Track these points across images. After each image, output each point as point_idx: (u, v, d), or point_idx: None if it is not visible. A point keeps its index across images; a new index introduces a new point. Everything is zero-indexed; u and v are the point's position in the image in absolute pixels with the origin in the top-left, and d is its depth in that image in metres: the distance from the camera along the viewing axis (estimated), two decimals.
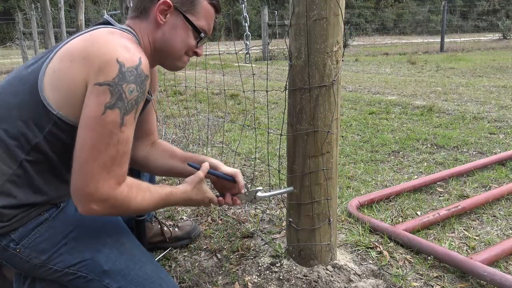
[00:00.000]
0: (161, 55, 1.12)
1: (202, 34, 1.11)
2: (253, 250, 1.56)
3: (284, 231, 1.63)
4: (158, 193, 1.04)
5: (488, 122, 3.66)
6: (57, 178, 1.02)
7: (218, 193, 1.26)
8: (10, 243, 0.98)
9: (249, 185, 2.24)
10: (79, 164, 0.89)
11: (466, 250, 1.61)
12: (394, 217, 1.89)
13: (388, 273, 1.41)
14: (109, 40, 0.94)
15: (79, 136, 0.90)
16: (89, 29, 1.01)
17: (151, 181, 1.53)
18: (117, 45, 0.92)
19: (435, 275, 1.42)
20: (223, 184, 1.26)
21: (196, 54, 1.15)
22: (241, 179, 1.23)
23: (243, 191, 1.24)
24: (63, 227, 1.02)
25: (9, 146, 0.95)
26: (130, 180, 0.98)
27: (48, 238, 1.00)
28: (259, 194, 1.25)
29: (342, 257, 1.47)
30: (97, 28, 1.00)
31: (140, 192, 0.99)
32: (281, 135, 1.50)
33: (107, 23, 1.06)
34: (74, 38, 0.98)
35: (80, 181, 0.89)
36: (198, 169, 1.18)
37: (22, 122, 0.94)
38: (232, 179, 1.23)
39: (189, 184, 1.13)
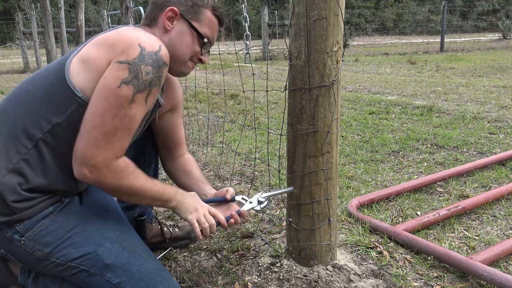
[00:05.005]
0: None
1: (206, 40, 1.18)
2: (253, 250, 1.56)
3: (284, 231, 1.63)
4: (152, 180, 1.09)
5: (488, 122, 3.66)
6: (65, 168, 1.04)
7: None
8: (15, 234, 1.00)
9: (248, 185, 2.24)
10: (86, 128, 0.97)
11: (466, 250, 1.62)
12: (394, 217, 1.89)
13: (388, 273, 1.41)
14: (133, 31, 1.04)
15: (92, 102, 0.98)
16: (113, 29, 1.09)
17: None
18: (140, 34, 1.03)
19: (435, 275, 1.42)
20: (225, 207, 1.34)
21: (201, 61, 1.23)
22: (231, 192, 1.29)
23: (237, 198, 1.29)
24: (67, 221, 1.05)
25: (27, 126, 1.00)
26: (129, 160, 1.04)
27: (52, 231, 1.02)
28: (260, 198, 1.27)
29: (342, 257, 1.47)
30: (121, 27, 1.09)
31: (135, 172, 1.05)
32: (281, 135, 1.50)
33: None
34: (99, 34, 1.06)
35: (81, 144, 0.97)
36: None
37: (45, 105, 1.01)
38: (223, 198, 1.28)
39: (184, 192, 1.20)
